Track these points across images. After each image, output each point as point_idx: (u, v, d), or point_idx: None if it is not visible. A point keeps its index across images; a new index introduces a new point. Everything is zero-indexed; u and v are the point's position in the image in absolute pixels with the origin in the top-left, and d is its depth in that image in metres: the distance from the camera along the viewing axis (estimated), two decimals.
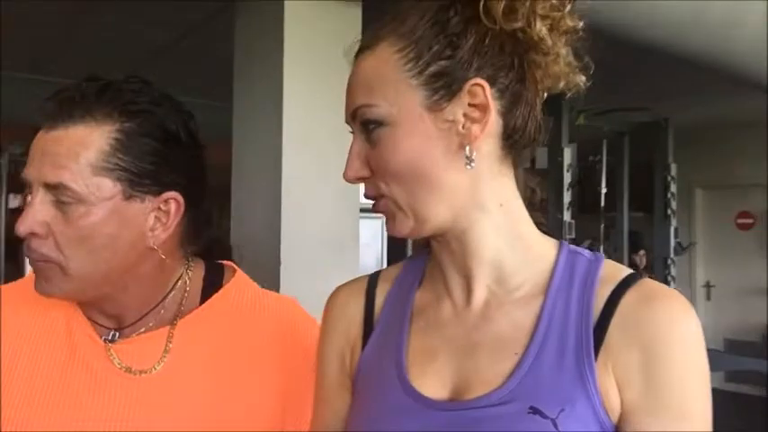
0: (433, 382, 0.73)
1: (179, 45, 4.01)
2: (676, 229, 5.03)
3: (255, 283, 1.00)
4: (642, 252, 5.33)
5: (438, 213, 0.72)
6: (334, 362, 0.82)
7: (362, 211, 2.77)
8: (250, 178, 2.80)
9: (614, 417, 0.67)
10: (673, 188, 4.97)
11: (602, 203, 4.79)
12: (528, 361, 0.70)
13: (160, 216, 0.89)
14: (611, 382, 0.67)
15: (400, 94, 0.71)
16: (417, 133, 0.71)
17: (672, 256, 4.98)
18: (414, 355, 0.75)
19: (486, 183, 0.73)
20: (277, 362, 0.93)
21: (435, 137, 0.71)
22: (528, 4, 0.70)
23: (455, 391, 0.72)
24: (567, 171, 4.10)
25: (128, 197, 0.86)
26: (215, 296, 0.95)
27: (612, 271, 0.73)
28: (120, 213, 0.85)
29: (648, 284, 0.71)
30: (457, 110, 0.71)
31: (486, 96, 0.71)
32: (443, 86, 0.70)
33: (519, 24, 0.70)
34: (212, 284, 0.96)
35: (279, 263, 2.59)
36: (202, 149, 0.95)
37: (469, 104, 0.71)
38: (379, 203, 0.74)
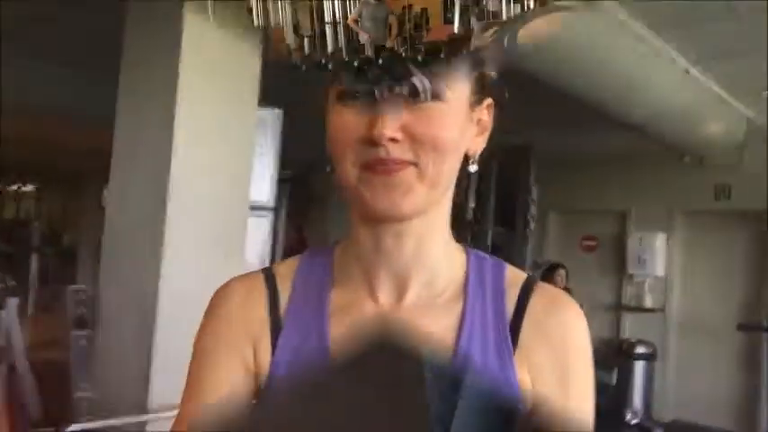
0: None
1: (56, 15, 3.77)
2: (533, 248, 5.40)
3: None
4: None
5: (440, 195, 0.76)
6: (233, 359, 0.77)
7: (252, 208, 2.74)
8: (135, 167, 2.69)
9: (528, 406, 0.74)
10: (533, 209, 5.31)
11: (472, 217, 5.01)
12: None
13: None
14: (526, 378, 0.75)
15: (459, 80, 0.74)
16: (461, 120, 0.75)
17: (529, 272, 5.30)
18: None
19: (451, 190, 0.79)
20: None
21: (465, 129, 0.76)
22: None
23: None
24: None
25: None
26: None
27: (514, 275, 0.80)
28: None
29: (547, 290, 0.79)
30: (475, 118, 0.78)
31: (490, 117, 0.79)
32: (477, 92, 0.77)
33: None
34: None
35: (161, 255, 2.52)
36: None
37: (479, 119, 0.78)
38: (402, 171, 0.72)
